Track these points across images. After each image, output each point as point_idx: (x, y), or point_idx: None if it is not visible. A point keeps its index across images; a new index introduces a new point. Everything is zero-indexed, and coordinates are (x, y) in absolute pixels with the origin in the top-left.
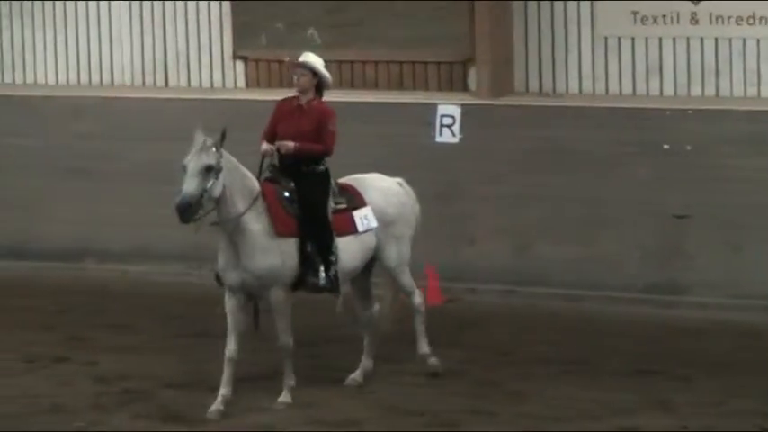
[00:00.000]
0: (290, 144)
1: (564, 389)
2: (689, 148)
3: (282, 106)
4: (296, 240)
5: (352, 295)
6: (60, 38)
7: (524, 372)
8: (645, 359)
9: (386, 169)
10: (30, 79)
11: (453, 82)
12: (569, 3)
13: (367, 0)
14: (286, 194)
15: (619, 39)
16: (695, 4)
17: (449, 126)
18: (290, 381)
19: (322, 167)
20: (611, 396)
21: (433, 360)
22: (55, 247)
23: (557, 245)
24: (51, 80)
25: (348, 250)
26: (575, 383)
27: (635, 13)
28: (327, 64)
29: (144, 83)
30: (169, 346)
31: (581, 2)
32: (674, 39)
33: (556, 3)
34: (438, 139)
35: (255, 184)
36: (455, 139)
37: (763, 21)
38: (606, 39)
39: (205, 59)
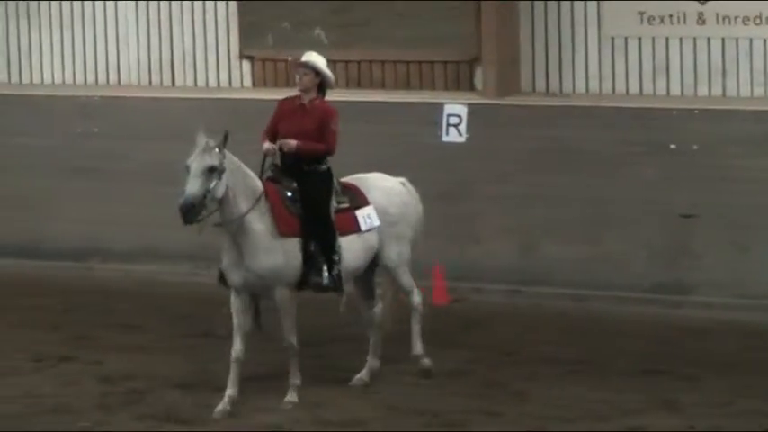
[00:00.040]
0: (293, 142)
1: (570, 389)
2: (695, 147)
3: (284, 105)
4: (299, 240)
5: (355, 294)
6: (67, 38)
7: (530, 372)
8: (651, 359)
9: (392, 168)
10: (36, 79)
11: (460, 82)
12: (576, 3)
13: (373, 0)
14: (289, 194)
15: (625, 39)
16: (702, 5)
17: (455, 125)
18: (295, 380)
19: (324, 167)
20: (618, 396)
21: (425, 361)
22: (61, 247)
23: (563, 244)
24: (58, 80)
25: (351, 249)
26: (581, 383)
27: (642, 13)
28: (334, 63)
29: (150, 82)
30: (175, 346)
31: (588, 2)
32: (680, 39)
33: (562, 3)
34: (444, 139)
35: (258, 184)
36: (461, 139)
37: None
38: (613, 39)
39: (211, 59)
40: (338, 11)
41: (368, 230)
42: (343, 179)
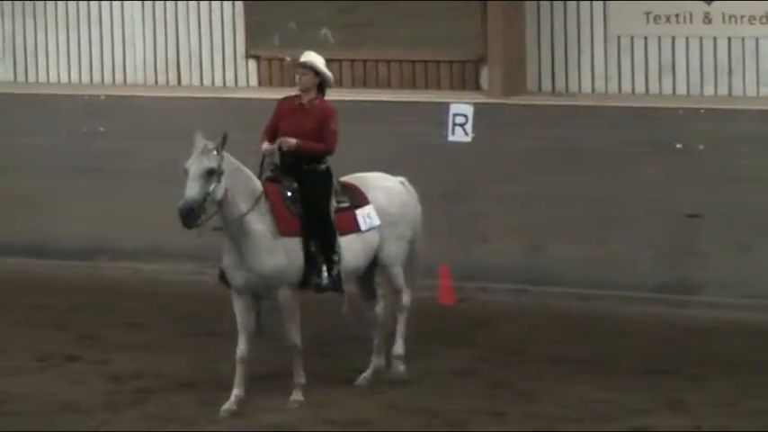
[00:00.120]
0: (292, 141)
1: (575, 388)
2: (701, 147)
3: (284, 105)
4: (300, 239)
5: (357, 294)
6: (73, 37)
7: (536, 371)
8: (656, 359)
9: (398, 168)
10: (42, 78)
11: (466, 81)
12: (582, 2)
13: (380, 0)
14: (289, 194)
15: (631, 38)
16: (708, 4)
17: (461, 125)
18: (300, 379)
19: (323, 166)
20: (623, 396)
21: (401, 367)
22: (68, 246)
23: (568, 244)
24: (64, 79)
25: (351, 249)
26: (586, 383)
27: (648, 12)
28: (340, 63)
29: (157, 82)
30: (181, 345)
31: (594, 1)
32: (686, 38)
33: (568, 2)
34: (450, 138)
35: (258, 185)
36: (467, 138)
37: None
38: (619, 38)
39: (218, 59)
40: (344, 11)
41: (368, 230)
42: (343, 178)
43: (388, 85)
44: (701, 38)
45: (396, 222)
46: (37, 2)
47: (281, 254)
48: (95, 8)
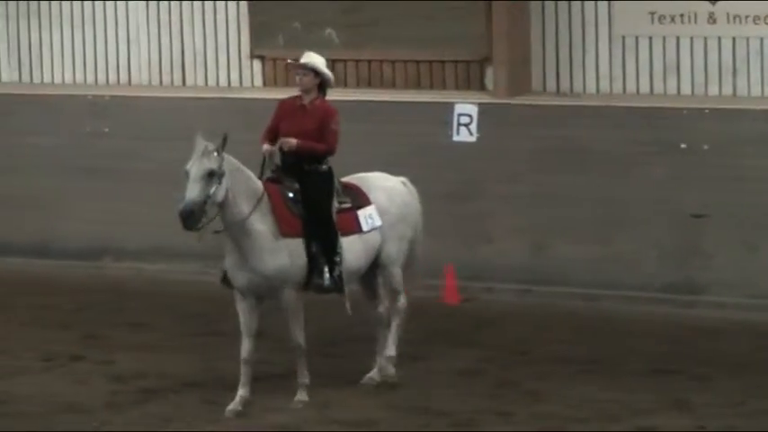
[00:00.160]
0: (293, 141)
1: (581, 389)
2: (706, 147)
3: (285, 105)
4: (302, 240)
5: (360, 295)
6: (78, 37)
7: (542, 371)
8: (663, 359)
9: (403, 168)
10: (47, 79)
11: (470, 81)
12: (587, 2)
13: (384, 0)
14: (290, 195)
15: (636, 38)
16: (713, 4)
17: (466, 125)
18: (304, 379)
19: (324, 166)
20: (629, 396)
21: (391, 369)
22: (72, 246)
23: (574, 244)
24: (68, 79)
25: (353, 250)
26: (592, 383)
27: (652, 12)
28: (345, 63)
29: (161, 82)
30: (186, 345)
31: (598, 1)
32: (691, 38)
33: (573, 2)
34: (455, 138)
35: (259, 185)
36: (472, 138)
37: None
38: (624, 38)
39: (222, 59)
40: (349, 11)
41: (370, 230)
42: (344, 179)
43: (392, 85)
44: (705, 38)
45: (397, 222)
46: (41, 2)
47: (283, 254)
48: (100, 8)
